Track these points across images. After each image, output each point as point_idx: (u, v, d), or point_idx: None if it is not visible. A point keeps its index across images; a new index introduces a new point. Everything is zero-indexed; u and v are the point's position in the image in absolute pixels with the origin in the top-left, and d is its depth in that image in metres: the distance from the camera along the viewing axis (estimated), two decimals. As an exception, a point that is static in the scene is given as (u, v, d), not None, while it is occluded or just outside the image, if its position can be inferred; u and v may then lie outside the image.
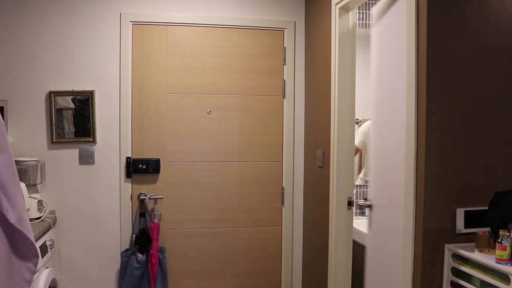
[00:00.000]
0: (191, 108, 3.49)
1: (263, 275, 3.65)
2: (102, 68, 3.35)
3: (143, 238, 3.31)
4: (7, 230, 1.59)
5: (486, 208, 2.00)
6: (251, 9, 3.55)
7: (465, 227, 2.05)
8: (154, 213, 3.40)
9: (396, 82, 2.36)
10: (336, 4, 2.96)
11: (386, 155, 2.58)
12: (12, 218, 1.58)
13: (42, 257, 2.73)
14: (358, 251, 3.26)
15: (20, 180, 2.93)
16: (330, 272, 3.05)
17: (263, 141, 3.61)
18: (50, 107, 3.26)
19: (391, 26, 2.40)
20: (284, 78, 3.61)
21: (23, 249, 1.66)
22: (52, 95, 3.25)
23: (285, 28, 3.60)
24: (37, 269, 1.81)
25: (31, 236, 1.66)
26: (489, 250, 1.90)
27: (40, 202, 3.11)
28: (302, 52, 3.65)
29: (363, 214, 3.69)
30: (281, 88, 3.62)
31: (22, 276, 1.67)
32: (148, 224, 3.36)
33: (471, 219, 2.06)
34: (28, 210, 2.94)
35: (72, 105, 3.30)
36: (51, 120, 3.27)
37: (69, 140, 3.31)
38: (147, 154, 3.44)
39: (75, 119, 3.32)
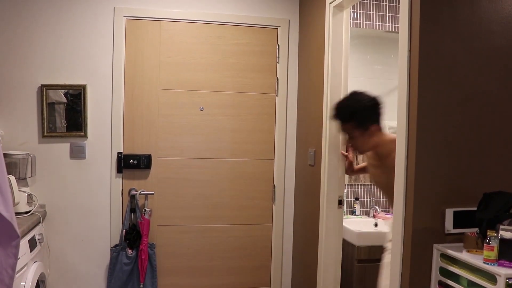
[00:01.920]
0: (183, 104, 3.48)
1: (253, 272, 3.65)
2: (95, 62, 3.34)
3: (133, 234, 3.30)
4: None
5: (475, 208, 2.01)
6: (245, 6, 3.54)
7: (454, 227, 2.06)
8: (145, 209, 3.39)
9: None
10: (330, 3, 2.96)
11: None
12: None
13: (31, 251, 2.71)
14: (348, 250, 3.27)
15: (10, 174, 2.93)
16: (319, 270, 3.05)
17: (255, 139, 3.61)
18: (42, 100, 3.24)
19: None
20: (277, 76, 3.61)
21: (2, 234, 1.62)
22: (44, 89, 3.23)
23: (279, 26, 3.60)
24: (19, 257, 1.78)
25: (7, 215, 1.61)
26: (477, 250, 1.91)
27: (30, 196, 3.10)
28: (296, 50, 3.65)
29: (353, 213, 3.70)
30: (274, 86, 3.62)
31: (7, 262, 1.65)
32: (139, 220, 3.35)
33: (460, 220, 2.07)
34: (17, 203, 2.93)
35: (64, 99, 3.28)
36: (42, 114, 3.25)
37: (60, 134, 3.29)
38: (139, 149, 3.43)
39: (67, 113, 3.30)
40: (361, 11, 3.62)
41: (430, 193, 2.05)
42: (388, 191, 2.59)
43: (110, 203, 3.39)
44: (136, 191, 3.40)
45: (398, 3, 2.27)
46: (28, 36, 3.24)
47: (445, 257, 2.01)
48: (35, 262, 2.83)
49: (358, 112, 2.47)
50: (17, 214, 2.94)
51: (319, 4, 3.18)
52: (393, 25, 3.65)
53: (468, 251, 1.93)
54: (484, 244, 1.80)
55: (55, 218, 3.32)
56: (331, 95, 2.97)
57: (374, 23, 3.64)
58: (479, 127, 2.10)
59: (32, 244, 2.77)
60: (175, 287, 3.53)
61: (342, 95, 3.01)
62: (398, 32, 2.15)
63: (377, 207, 3.68)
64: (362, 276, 3.21)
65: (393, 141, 2.38)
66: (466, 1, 2.05)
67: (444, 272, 2.01)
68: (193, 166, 3.53)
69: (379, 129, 2.51)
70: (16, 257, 1.68)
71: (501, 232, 1.81)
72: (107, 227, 3.40)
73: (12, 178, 2.87)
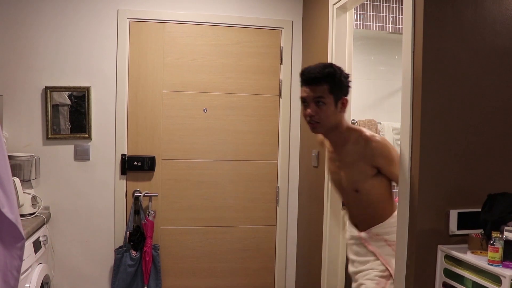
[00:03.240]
0: (187, 106, 3.49)
1: (257, 274, 3.65)
2: (99, 64, 3.35)
3: (137, 235, 3.30)
4: None
5: (479, 210, 2.01)
6: (249, 8, 3.55)
7: (458, 228, 2.05)
8: (149, 211, 3.39)
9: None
10: (334, 4, 2.96)
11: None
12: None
13: (35, 253, 2.72)
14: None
15: (15, 176, 2.94)
16: (323, 272, 3.05)
17: (259, 140, 3.60)
18: (46, 102, 3.25)
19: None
20: (281, 77, 3.61)
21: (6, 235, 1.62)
22: (48, 91, 3.25)
23: (283, 28, 3.60)
24: (24, 259, 1.78)
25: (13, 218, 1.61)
26: (482, 251, 1.91)
27: (34, 198, 3.11)
28: (299, 51, 3.65)
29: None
30: (277, 87, 3.62)
31: (11, 264, 1.65)
32: (143, 222, 3.35)
33: (464, 221, 2.06)
34: (22, 205, 2.93)
35: (68, 101, 3.30)
36: (46, 116, 3.26)
37: (64, 136, 3.30)
38: (143, 151, 3.43)
39: (71, 115, 3.31)
40: (365, 13, 3.62)
41: (434, 194, 2.04)
42: (342, 192, 2.40)
43: (114, 205, 3.40)
44: (140, 193, 3.41)
45: (402, 4, 2.27)
46: (32, 39, 3.26)
47: (449, 258, 2.00)
48: (40, 264, 2.84)
49: (336, 75, 2.13)
50: (21, 216, 2.94)
51: (323, 5, 3.18)
52: (397, 26, 3.64)
53: (472, 253, 1.93)
54: (489, 245, 1.79)
55: (59, 220, 3.32)
56: (335, 97, 2.97)
57: (377, 24, 3.64)
58: (483, 128, 2.09)
59: (37, 246, 2.78)
60: (179, 288, 3.54)
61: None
62: (401, 33, 2.15)
63: (381, 209, 3.66)
64: (366, 278, 3.20)
65: (351, 130, 2.23)
66: (470, 2, 2.05)
67: (448, 273, 2.00)
68: (197, 167, 3.53)
69: (345, 109, 2.21)
70: (21, 259, 1.68)
71: (505, 233, 1.80)
72: (111, 229, 3.40)
73: (17, 180, 2.88)
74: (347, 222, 2.48)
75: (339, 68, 2.17)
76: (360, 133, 2.22)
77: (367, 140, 2.18)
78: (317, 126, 2.16)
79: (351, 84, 2.22)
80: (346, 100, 2.18)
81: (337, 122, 2.19)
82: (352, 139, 2.22)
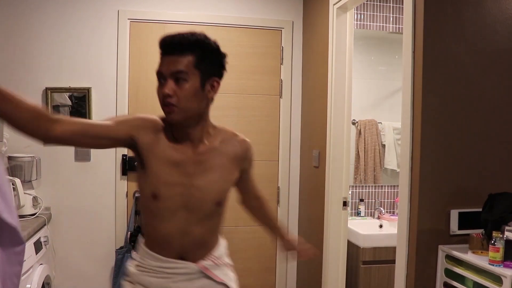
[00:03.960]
0: (187, 106, 3.48)
1: (258, 274, 3.65)
2: (99, 65, 3.35)
3: (138, 236, 3.30)
4: None
5: (480, 209, 2.01)
6: (249, 8, 3.55)
7: (459, 228, 2.06)
8: (150, 211, 3.39)
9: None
10: (334, 4, 2.96)
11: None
12: None
13: (36, 254, 2.72)
14: (353, 251, 3.26)
15: (15, 176, 2.95)
16: (324, 272, 3.05)
17: (259, 141, 3.60)
18: (47, 103, 3.25)
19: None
20: (281, 77, 3.61)
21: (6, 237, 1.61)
22: (48, 92, 3.24)
23: (283, 28, 3.60)
24: (24, 260, 1.77)
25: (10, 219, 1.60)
26: (482, 251, 1.91)
27: (35, 199, 3.11)
28: (300, 52, 3.65)
29: (358, 214, 3.69)
30: (278, 87, 3.62)
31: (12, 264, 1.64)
32: (143, 222, 3.35)
33: (465, 221, 2.06)
34: (23, 206, 2.94)
35: (69, 102, 3.30)
36: (47, 117, 3.25)
37: (65, 136, 3.30)
38: (143, 151, 3.43)
39: (71, 116, 3.31)
40: (365, 12, 3.62)
41: (435, 194, 2.05)
42: (189, 209, 1.67)
43: (115, 206, 3.40)
44: (141, 193, 3.40)
45: (402, 4, 2.27)
46: (33, 39, 3.26)
47: (450, 258, 2.00)
48: (41, 264, 2.83)
49: (206, 45, 1.70)
50: (22, 216, 2.96)
51: (323, 5, 3.18)
52: (397, 26, 3.64)
53: (473, 252, 1.93)
54: (490, 245, 1.79)
55: (60, 220, 3.32)
56: (335, 96, 2.97)
57: (378, 24, 3.64)
58: (484, 128, 2.10)
59: (38, 246, 2.78)
60: (180, 289, 3.53)
61: (346, 96, 3.00)
62: (402, 33, 2.15)
63: (382, 209, 3.66)
64: (367, 278, 3.20)
65: (216, 127, 1.83)
66: (470, 2, 2.05)
67: (449, 273, 2.00)
68: (198, 168, 3.52)
69: (214, 96, 1.74)
70: (21, 264, 1.67)
71: (506, 233, 1.80)
72: (112, 229, 3.41)
73: (18, 181, 2.88)
74: (157, 257, 1.66)
75: (213, 40, 1.73)
76: (228, 131, 1.85)
77: (241, 140, 1.83)
78: (174, 110, 1.61)
79: (226, 64, 1.76)
80: (218, 83, 1.70)
81: (201, 110, 1.71)
82: (220, 136, 1.80)
